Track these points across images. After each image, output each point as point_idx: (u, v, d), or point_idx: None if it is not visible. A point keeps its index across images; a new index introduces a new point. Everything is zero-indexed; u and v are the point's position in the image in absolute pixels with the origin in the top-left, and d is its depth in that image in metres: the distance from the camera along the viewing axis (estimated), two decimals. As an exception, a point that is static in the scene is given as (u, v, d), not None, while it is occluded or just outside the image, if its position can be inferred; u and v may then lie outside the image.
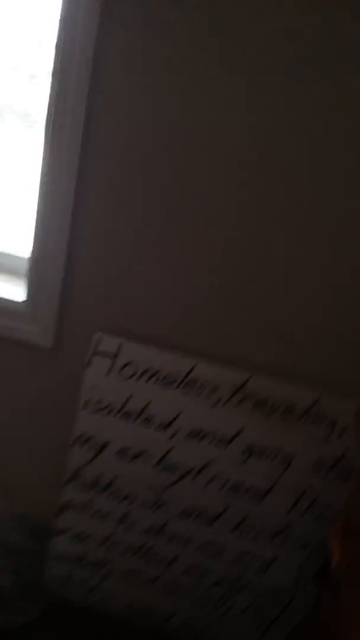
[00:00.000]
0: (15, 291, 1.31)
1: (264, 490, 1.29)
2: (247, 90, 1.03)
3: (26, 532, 1.50)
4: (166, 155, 1.10)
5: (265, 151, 1.07)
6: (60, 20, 1.02)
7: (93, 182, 1.14)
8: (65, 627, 1.40)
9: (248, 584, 1.40)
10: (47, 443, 1.44)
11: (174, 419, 1.25)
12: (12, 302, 1.29)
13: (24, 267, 1.30)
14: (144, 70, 1.04)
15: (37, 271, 1.24)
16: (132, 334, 1.25)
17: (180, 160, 1.10)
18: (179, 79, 1.04)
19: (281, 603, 1.41)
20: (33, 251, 1.22)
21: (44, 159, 1.12)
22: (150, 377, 1.22)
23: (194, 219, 1.14)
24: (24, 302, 1.28)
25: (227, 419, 1.24)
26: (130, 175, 1.13)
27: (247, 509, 1.32)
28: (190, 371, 1.21)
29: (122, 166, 1.12)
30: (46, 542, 1.44)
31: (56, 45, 1.04)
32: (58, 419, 1.39)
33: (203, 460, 1.29)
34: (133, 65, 1.05)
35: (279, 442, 1.24)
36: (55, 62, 1.05)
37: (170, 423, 1.26)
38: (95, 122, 1.09)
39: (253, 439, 1.25)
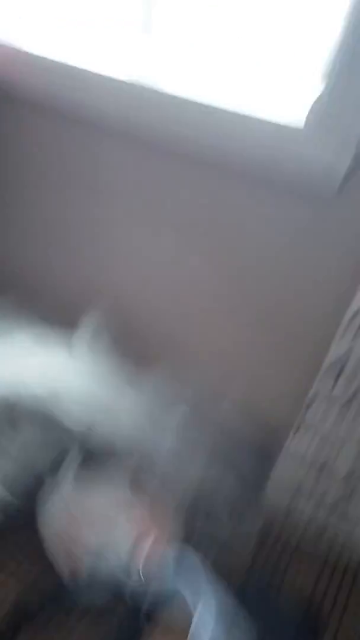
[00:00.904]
0: (295, 110, 0.96)
1: None
2: None
3: (259, 433, 1.25)
4: None
5: None
6: None
7: None
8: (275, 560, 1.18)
9: None
10: (302, 345, 1.09)
11: None
12: (291, 124, 0.95)
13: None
14: None
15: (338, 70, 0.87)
16: None
17: None
18: None
19: None
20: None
21: None
22: None
23: None
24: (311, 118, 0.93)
25: None
26: None
27: None
28: None
29: None
30: (272, 461, 1.19)
31: None
32: (315, 330, 1.01)
33: None
34: None
35: None
36: None
37: None
38: None
39: None
